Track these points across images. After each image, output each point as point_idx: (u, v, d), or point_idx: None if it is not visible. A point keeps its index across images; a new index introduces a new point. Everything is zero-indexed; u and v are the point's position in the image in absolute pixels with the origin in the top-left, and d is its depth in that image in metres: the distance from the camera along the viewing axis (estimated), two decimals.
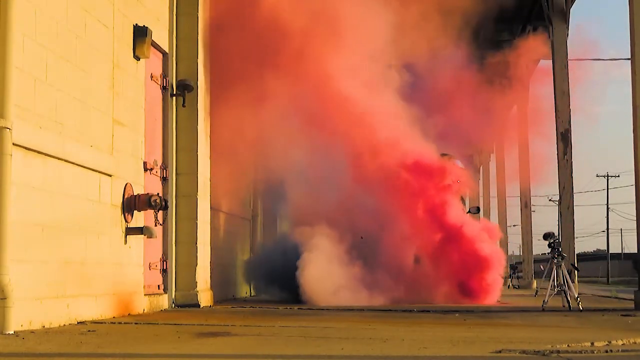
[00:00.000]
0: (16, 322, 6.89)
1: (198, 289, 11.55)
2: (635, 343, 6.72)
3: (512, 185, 29.74)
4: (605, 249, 77.51)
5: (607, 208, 75.92)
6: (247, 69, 13.45)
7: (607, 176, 75.34)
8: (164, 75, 11.42)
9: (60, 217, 7.92)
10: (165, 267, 11.21)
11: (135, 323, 8.34)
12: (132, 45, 9.97)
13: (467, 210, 15.76)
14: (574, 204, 17.42)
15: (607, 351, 6.18)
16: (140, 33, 10.03)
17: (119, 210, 9.43)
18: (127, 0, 9.84)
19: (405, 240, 14.72)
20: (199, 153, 11.75)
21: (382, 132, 14.51)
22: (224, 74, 13.08)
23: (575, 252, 17.42)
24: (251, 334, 7.33)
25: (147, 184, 10.44)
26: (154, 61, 10.98)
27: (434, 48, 15.09)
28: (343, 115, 14.25)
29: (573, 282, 12.99)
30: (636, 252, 14.08)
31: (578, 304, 11.75)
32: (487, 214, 31.99)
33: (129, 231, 9.66)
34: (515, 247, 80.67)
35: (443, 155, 16.49)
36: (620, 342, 6.66)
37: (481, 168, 33.80)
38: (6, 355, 5.55)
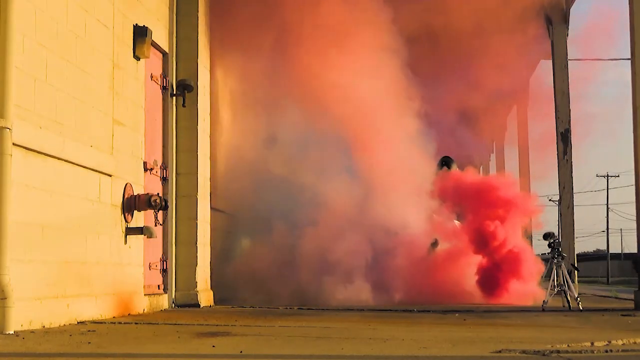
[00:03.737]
0: (16, 322, 6.89)
1: (198, 289, 11.55)
2: (635, 343, 6.72)
3: None
4: (605, 249, 77.47)
5: (607, 208, 75.93)
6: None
7: (607, 176, 75.33)
8: (164, 75, 11.43)
9: (60, 217, 7.92)
10: (165, 267, 11.21)
11: (135, 323, 8.34)
12: (132, 45, 9.98)
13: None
14: (574, 204, 17.41)
15: (607, 351, 6.18)
16: (140, 33, 10.03)
17: (119, 210, 9.43)
18: (127, 0, 9.84)
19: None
20: (199, 153, 11.76)
21: None
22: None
23: (575, 252, 17.40)
24: (251, 334, 7.33)
25: (147, 184, 10.44)
26: (154, 61, 10.98)
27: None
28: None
29: (573, 282, 12.99)
30: (636, 252, 14.08)
31: (578, 304, 11.74)
32: None
33: (129, 231, 9.66)
34: None
35: (445, 158, 16.53)
36: (620, 342, 6.66)
37: (481, 168, 33.76)
38: (6, 355, 5.55)
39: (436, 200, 15.13)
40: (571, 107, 17.24)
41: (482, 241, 14.44)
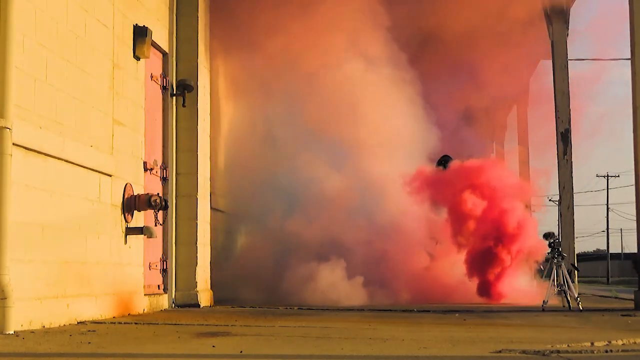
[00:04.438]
0: (16, 322, 6.89)
1: (198, 289, 11.55)
2: (635, 343, 6.72)
3: None
4: (605, 249, 77.44)
5: (607, 208, 75.90)
6: None
7: (607, 176, 75.30)
8: (164, 75, 11.43)
9: (60, 217, 7.92)
10: (165, 267, 11.21)
11: (135, 323, 8.34)
12: (132, 45, 9.98)
13: None
14: (574, 204, 17.40)
15: (607, 351, 6.18)
16: (140, 33, 10.03)
17: (119, 210, 9.43)
18: (127, 0, 9.84)
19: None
20: (199, 153, 11.76)
21: None
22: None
23: (575, 252, 17.40)
24: (251, 334, 7.33)
25: (147, 184, 10.44)
26: (154, 61, 10.98)
27: None
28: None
29: (573, 282, 12.98)
30: (636, 252, 14.07)
31: (578, 304, 11.74)
32: None
33: (129, 231, 9.66)
34: None
35: (444, 157, 16.50)
36: (620, 342, 6.66)
37: None
38: (6, 355, 5.55)
39: (418, 198, 14.97)
40: (577, 107, 17.26)
41: (458, 219, 14.28)
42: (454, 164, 15.52)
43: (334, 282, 13.56)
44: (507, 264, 14.31)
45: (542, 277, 12.63)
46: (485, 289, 14.34)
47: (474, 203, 14.28)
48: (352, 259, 14.03)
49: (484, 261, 14.28)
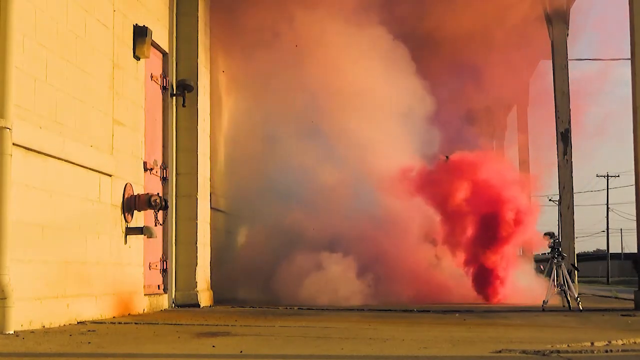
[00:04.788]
0: (16, 322, 6.89)
1: (198, 289, 11.55)
2: (635, 343, 6.72)
3: None
4: (605, 249, 77.43)
5: (607, 208, 75.90)
6: None
7: (607, 176, 75.29)
8: (164, 75, 11.43)
9: (60, 217, 7.92)
10: (165, 267, 11.21)
11: (135, 323, 8.34)
12: (132, 45, 9.98)
13: None
14: (574, 204, 17.40)
15: (607, 351, 6.18)
16: (140, 33, 10.03)
17: (119, 210, 9.43)
18: (127, 0, 9.84)
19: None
20: (199, 153, 11.76)
21: None
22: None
23: (575, 252, 17.40)
24: (251, 334, 7.33)
25: (147, 184, 10.44)
26: (154, 61, 10.98)
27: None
28: None
29: (573, 282, 12.98)
30: (636, 252, 14.07)
31: (578, 304, 11.74)
32: None
33: (129, 231, 9.66)
34: None
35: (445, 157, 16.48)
36: (620, 342, 6.67)
37: None
38: (6, 355, 5.56)
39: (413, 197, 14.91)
40: (577, 107, 17.26)
41: (452, 218, 14.24)
42: (440, 161, 15.47)
43: (334, 281, 13.56)
44: (502, 266, 14.31)
45: (543, 276, 12.63)
46: (483, 287, 14.34)
47: (467, 199, 14.25)
48: (353, 257, 14.03)
49: (481, 259, 14.29)
